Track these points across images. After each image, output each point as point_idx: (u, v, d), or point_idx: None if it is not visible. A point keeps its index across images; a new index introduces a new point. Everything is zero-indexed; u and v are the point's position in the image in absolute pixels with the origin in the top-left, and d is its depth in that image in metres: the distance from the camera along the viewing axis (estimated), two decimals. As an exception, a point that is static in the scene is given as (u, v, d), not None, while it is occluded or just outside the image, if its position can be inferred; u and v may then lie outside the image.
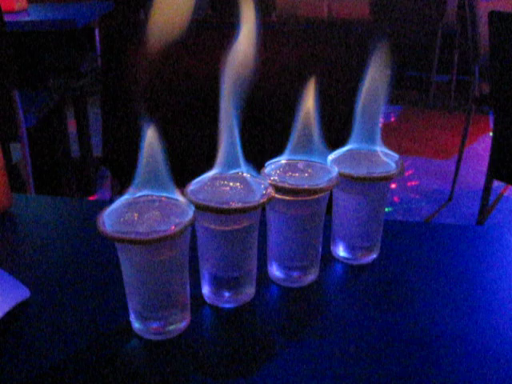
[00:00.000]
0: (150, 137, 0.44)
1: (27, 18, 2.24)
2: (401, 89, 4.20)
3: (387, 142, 0.57)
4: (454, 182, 2.57)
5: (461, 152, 2.54)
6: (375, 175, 0.55)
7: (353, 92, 0.59)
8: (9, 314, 0.51)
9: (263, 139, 0.61)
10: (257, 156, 0.53)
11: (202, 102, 0.47)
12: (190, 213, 0.46)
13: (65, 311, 0.53)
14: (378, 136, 0.57)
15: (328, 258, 0.61)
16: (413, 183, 2.79)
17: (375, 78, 0.56)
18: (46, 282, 0.58)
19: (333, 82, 0.91)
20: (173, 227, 0.44)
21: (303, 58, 0.87)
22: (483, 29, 2.22)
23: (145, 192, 0.47)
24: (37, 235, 0.67)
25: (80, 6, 2.59)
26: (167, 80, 0.94)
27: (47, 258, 0.62)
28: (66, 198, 0.76)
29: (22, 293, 0.53)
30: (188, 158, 0.62)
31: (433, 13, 3.67)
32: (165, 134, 0.46)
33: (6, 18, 1.80)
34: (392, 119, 3.65)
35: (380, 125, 0.57)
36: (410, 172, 2.91)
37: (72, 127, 2.63)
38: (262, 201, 0.48)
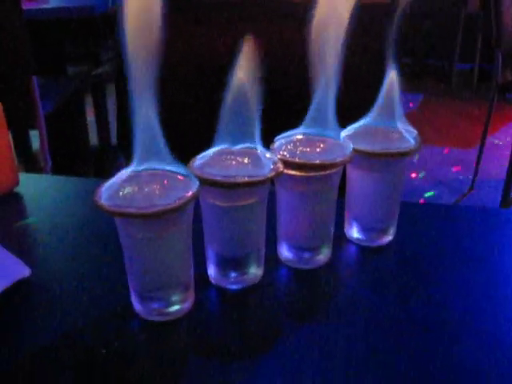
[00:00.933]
0: (146, 108, 0.42)
1: (46, 6, 2.24)
2: (422, 77, 4.14)
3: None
4: (476, 171, 2.52)
5: (483, 141, 2.48)
6: (391, 151, 0.52)
7: (371, 70, 0.56)
8: (8, 291, 0.49)
9: (276, 113, 0.58)
10: (268, 131, 0.50)
11: (214, 79, 0.45)
12: (194, 187, 0.43)
13: (65, 291, 0.51)
14: (399, 112, 0.54)
15: (342, 239, 0.59)
16: (434, 172, 2.74)
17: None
18: (48, 261, 0.56)
19: (351, 59, 0.88)
20: (174, 201, 0.41)
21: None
22: (507, 12, 2.16)
23: (146, 165, 0.45)
24: (41, 214, 0.66)
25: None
26: (180, 56, 0.92)
27: (50, 237, 0.61)
28: (72, 177, 0.75)
29: (22, 271, 0.52)
30: (196, 133, 0.60)
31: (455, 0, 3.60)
32: (173, 108, 0.44)
33: (27, 6, 1.79)
34: (413, 108, 3.60)
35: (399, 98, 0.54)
36: (432, 161, 2.86)
37: (91, 115, 2.62)
38: (269, 175, 0.45)
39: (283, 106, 0.51)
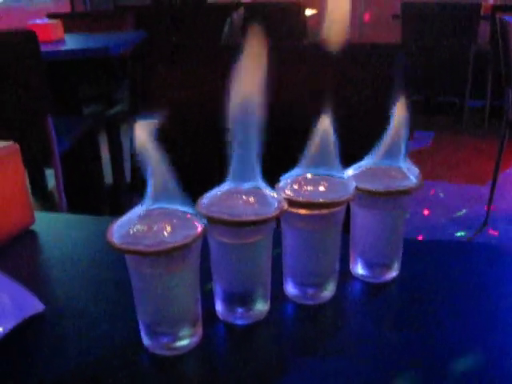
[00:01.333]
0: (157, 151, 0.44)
1: (63, 48, 2.30)
2: (433, 114, 4.16)
3: (420, 168, 0.56)
4: (489, 206, 2.52)
5: (495, 177, 2.49)
6: (393, 189, 0.53)
7: (376, 109, 0.58)
8: (22, 325, 0.51)
9: (280, 154, 0.60)
10: (273, 170, 0.52)
11: (218, 121, 0.47)
12: (201, 225, 0.45)
13: (77, 326, 0.53)
14: (403, 152, 0.56)
15: (347, 275, 0.60)
16: (447, 209, 2.74)
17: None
18: (61, 297, 0.58)
19: (355, 99, 0.90)
20: (182, 239, 0.43)
21: (326, 77, 0.87)
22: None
23: (157, 205, 0.47)
24: (56, 252, 0.68)
25: (114, 36, 2.65)
26: (190, 100, 0.95)
27: (64, 274, 0.62)
28: (87, 216, 0.77)
29: (36, 306, 0.53)
30: (202, 172, 0.62)
31: (465, 36, 3.65)
32: (180, 149, 0.46)
33: (44, 48, 1.85)
34: (425, 145, 3.62)
35: (404, 141, 0.56)
36: (444, 198, 2.87)
37: (106, 154, 2.67)
38: (274, 214, 0.47)
39: (288, 146, 0.53)
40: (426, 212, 2.71)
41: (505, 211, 2.65)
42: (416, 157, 0.56)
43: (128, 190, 2.62)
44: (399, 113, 0.55)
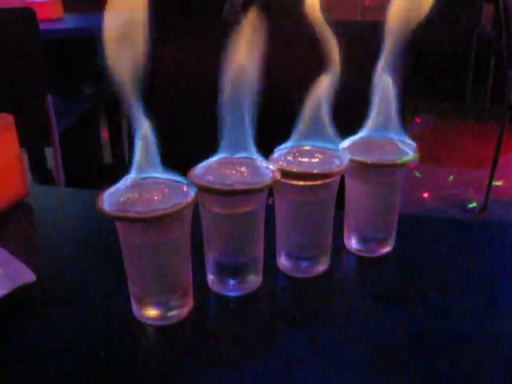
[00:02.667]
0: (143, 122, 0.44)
1: (62, 26, 2.29)
2: (435, 98, 4.14)
3: (421, 151, 0.55)
4: (488, 191, 2.52)
5: (495, 161, 2.48)
6: (388, 161, 0.53)
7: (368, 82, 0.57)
8: (14, 294, 0.50)
9: (275, 124, 0.60)
10: (267, 141, 0.52)
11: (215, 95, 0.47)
12: (192, 194, 0.45)
13: (68, 296, 0.53)
14: (397, 123, 0.55)
15: (341, 250, 0.59)
16: (446, 193, 2.74)
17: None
18: (52, 268, 0.58)
19: (354, 75, 0.90)
20: (172, 206, 0.43)
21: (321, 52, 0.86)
22: (518, 33, 2.17)
23: (148, 174, 0.46)
24: (49, 224, 0.68)
25: (114, 15, 2.62)
26: (190, 74, 0.94)
27: (56, 245, 0.62)
28: (81, 189, 0.77)
29: (27, 276, 0.53)
30: (197, 143, 0.61)
31: (468, 20, 3.62)
32: (176, 121, 0.45)
33: (43, 27, 1.84)
34: (426, 129, 3.60)
35: (396, 111, 0.55)
36: (444, 182, 2.86)
37: (105, 133, 2.66)
38: (267, 183, 0.47)
39: (284, 118, 0.53)
40: (425, 195, 2.71)
41: (504, 196, 2.65)
42: (417, 141, 0.56)
43: (127, 169, 2.60)
44: (387, 84, 0.55)
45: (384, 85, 0.54)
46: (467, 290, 0.53)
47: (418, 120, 3.68)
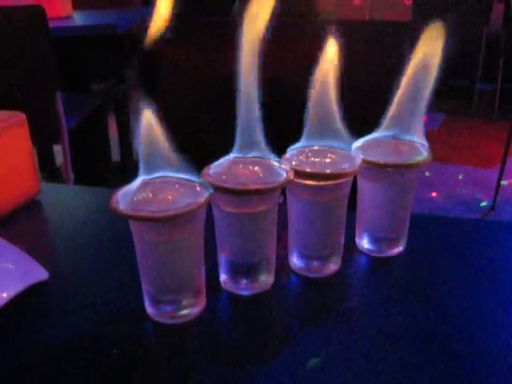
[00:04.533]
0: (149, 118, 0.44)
1: (71, 24, 2.29)
2: (443, 97, 4.13)
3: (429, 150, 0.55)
4: (497, 191, 2.51)
5: (504, 161, 2.47)
6: (401, 162, 0.53)
7: (383, 84, 0.57)
8: (27, 292, 0.51)
9: (288, 124, 0.60)
10: (280, 141, 0.52)
11: (225, 93, 0.47)
12: (206, 194, 0.45)
13: (81, 294, 0.53)
14: (419, 125, 0.55)
15: (352, 250, 0.59)
16: (455, 192, 2.73)
17: (425, 65, 0.54)
18: (66, 266, 0.58)
19: (364, 76, 0.90)
20: (186, 205, 0.43)
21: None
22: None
23: (162, 173, 0.46)
24: (61, 222, 0.68)
25: (123, 12, 2.64)
26: (200, 73, 0.94)
27: (69, 243, 0.62)
28: (93, 187, 0.77)
29: (40, 274, 0.53)
30: (208, 142, 0.62)
31: (478, 18, 3.60)
32: (189, 120, 0.45)
33: (52, 24, 1.84)
34: (434, 127, 3.59)
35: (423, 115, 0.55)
36: (452, 181, 2.85)
37: (114, 131, 2.66)
38: (280, 183, 0.47)
39: (297, 119, 0.53)
40: (433, 194, 2.70)
41: (512, 196, 2.64)
42: (426, 139, 0.56)
43: (136, 167, 2.61)
44: (414, 86, 0.54)
45: (412, 84, 0.53)
46: (479, 291, 0.53)
47: (426, 119, 3.67)
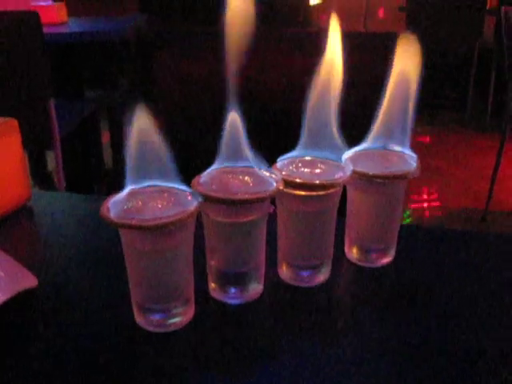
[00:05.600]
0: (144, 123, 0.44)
1: (66, 30, 2.30)
2: (436, 108, 4.16)
3: (421, 161, 0.55)
4: (488, 202, 2.52)
5: (495, 172, 2.49)
6: (390, 173, 0.53)
7: (373, 94, 0.58)
8: (16, 299, 0.51)
9: (279, 134, 0.60)
10: (271, 151, 0.52)
11: (213, 103, 0.47)
12: (195, 203, 0.45)
13: (70, 301, 0.53)
14: (407, 137, 0.56)
15: (342, 260, 0.60)
16: (446, 203, 2.74)
17: (404, 77, 0.55)
18: (55, 273, 0.58)
19: (356, 85, 0.90)
20: (176, 214, 0.43)
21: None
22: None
23: (151, 182, 0.46)
24: (51, 229, 0.68)
25: (118, 20, 2.64)
26: (192, 82, 0.95)
27: (59, 250, 0.62)
28: (83, 195, 0.77)
29: (30, 281, 0.53)
30: (200, 152, 0.62)
31: (470, 32, 3.63)
32: (178, 129, 0.46)
33: (47, 30, 1.84)
34: (426, 139, 3.61)
35: (410, 126, 0.55)
36: (444, 192, 2.87)
37: (106, 138, 2.67)
38: (269, 193, 0.47)
39: (288, 128, 0.53)
40: (424, 205, 2.72)
41: (503, 208, 2.65)
42: (417, 151, 0.56)
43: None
44: (401, 98, 0.55)
45: (394, 96, 0.54)
46: (467, 301, 0.53)
47: (418, 130, 3.69)
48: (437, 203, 2.74)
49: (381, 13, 4.27)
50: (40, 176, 2.55)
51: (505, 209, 2.64)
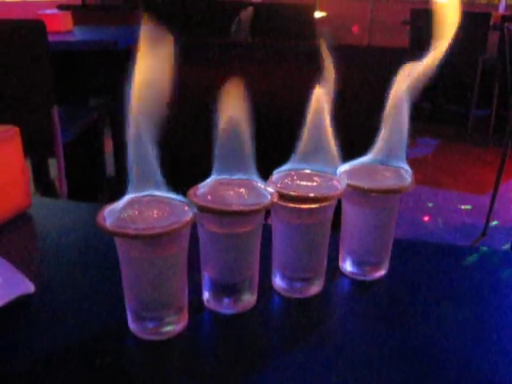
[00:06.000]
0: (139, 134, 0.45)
1: (71, 39, 2.31)
2: (438, 122, 4.17)
3: (423, 175, 0.56)
4: (489, 217, 2.52)
5: (496, 187, 2.49)
6: (384, 187, 0.54)
7: (373, 108, 0.58)
8: (12, 304, 0.51)
9: (274, 147, 0.61)
10: (266, 163, 0.53)
11: (213, 113, 0.48)
12: (190, 213, 0.46)
13: (65, 308, 0.54)
14: (403, 151, 0.56)
15: (335, 272, 0.60)
16: (446, 217, 2.74)
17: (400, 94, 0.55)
18: (51, 279, 0.58)
19: (361, 100, 0.91)
20: (171, 224, 0.44)
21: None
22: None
23: (148, 192, 0.47)
24: (50, 236, 0.69)
25: (123, 29, 2.66)
26: (194, 95, 0.96)
27: (56, 257, 0.63)
28: (83, 202, 0.78)
29: (26, 287, 0.54)
30: (197, 164, 0.63)
31: (473, 46, 3.65)
32: (176, 140, 0.46)
33: (52, 38, 1.86)
34: (428, 152, 3.62)
35: (406, 139, 0.56)
36: (444, 206, 2.87)
37: (109, 147, 2.67)
38: (264, 205, 0.48)
39: (285, 141, 0.54)
40: (425, 218, 2.72)
41: (504, 222, 2.65)
42: (419, 164, 0.57)
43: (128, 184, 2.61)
44: (399, 114, 0.56)
45: (397, 112, 0.55)
46: (461, 316, 0.54)
47: (420, 143, 3.70)
48: (437, 217, 2.74)
49: (383, 26, 4.29)
50: (43, 183, 2.55)
51: (505, 224, 2.64)
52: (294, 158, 0.54)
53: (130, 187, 0.46)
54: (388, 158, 0.57)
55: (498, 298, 0.57)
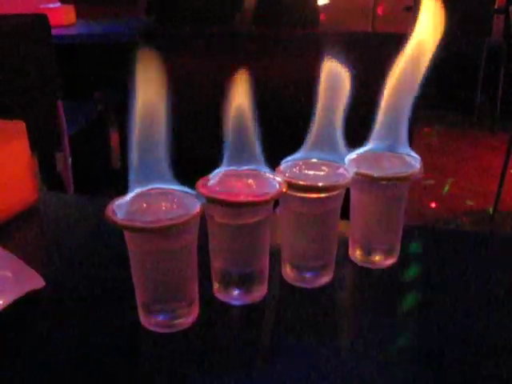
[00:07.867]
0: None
1: (74, 32, 2.31)
2: (444, 108, 4.14)
3: (429, 161, 0.56)
4: (496, 202, 2.51)
5: (503, 173, 2.48)
6: (393, 175, 0.54)
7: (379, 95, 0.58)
8: (23, 299, 0.51)
9: (282, 136, 0.61)
10: (274, 153, 0.52)
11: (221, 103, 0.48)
12: (199, 205, 0.46)
13: (76, 301, 0.54)
14: (404, 137, 0.56)
15: (345, 261, 0.60)
16: (454, 203, 2.74)
17: (406, 78, 0.55)
18: (62, 274, 0.58)
19: (365, 87, 0.90)
20: (180, 216, 0.44)
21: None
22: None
23: (156, 185, 0.47)
24: (58, 230, 0.69)
25: (126, 22, 2.66)
26: (200, 85, 0.95)
27: (65, 251, 0.63)
28: (90, 196, 0.78)
29: (37, 282, 0.54)
30: (205, 155, 0.62)
31: (478, 30, 3.62)
32: (184, 131, 0.46)
33: (55, 32, 1.86)
34: (434, 139, 3.60)
35: (406, 125, 0.56)
36: (452, 192, 2.86)
37: (115, 139, 2.67)
38: (273, 195, 0.47)
39: (293, 130, 0.54)
40: (432, 205, 2.71)
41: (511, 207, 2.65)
42: (425, 150, 0.56)
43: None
44: (399, 99, 0.55)
45: (395, 98, 0.54)
46: (473, 303, 0.53)
47: (426, 130, 3.69)
48: (444, 203, 2.73)
49: (387, 13, 4.26)
50: (49, 177, 2.56)
51: (513, 209, 2.63)
52: (302, 147, 0.54)
53: (135, 180, 0.46)
54: (390, 144, 0.56)
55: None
